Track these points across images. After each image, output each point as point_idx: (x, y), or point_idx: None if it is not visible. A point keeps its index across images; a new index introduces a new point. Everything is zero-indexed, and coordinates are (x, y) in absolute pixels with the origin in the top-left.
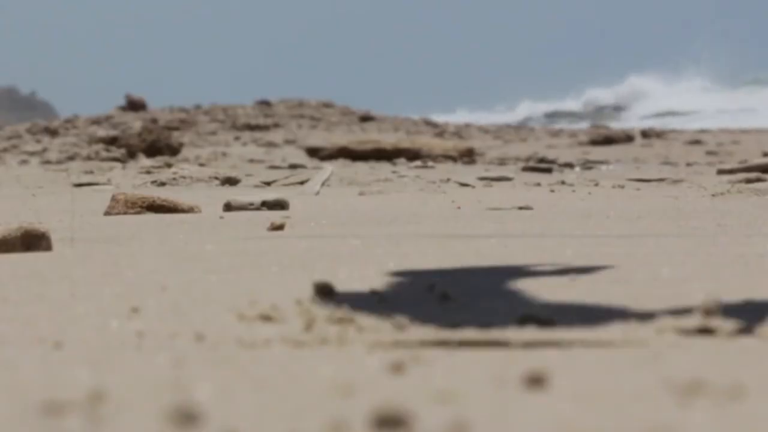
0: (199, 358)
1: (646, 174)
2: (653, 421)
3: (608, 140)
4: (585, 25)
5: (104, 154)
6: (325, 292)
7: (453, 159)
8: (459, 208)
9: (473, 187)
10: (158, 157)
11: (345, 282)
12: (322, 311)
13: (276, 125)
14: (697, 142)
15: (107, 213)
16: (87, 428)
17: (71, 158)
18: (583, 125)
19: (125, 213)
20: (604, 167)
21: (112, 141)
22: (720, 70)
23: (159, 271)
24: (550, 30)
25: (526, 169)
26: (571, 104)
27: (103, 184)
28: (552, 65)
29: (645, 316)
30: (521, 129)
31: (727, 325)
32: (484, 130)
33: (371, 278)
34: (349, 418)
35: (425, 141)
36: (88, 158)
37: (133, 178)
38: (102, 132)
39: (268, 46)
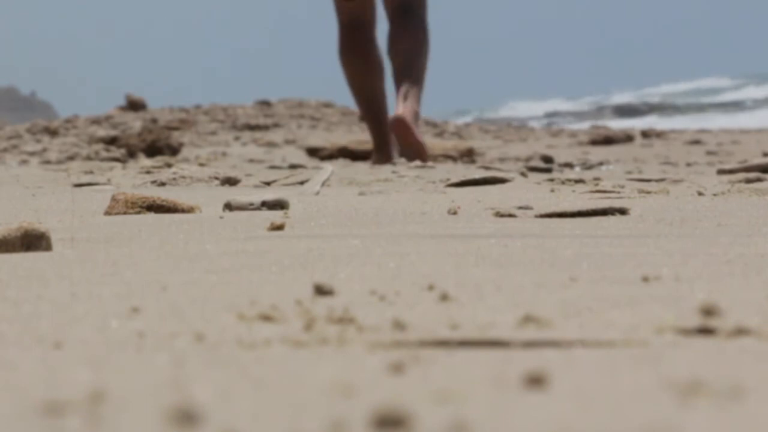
0: (199, 358)
1: (646, 174)
2: (653, 421)
3: (608, 140)
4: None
5: (104, 154)
6: (325, 292)
7: (453, 159)
8: (459, 208)
9: (472, 187)
10: (158, 157)
11: (345, 282)
12: (322, 311)
13: (276, 125)
14: (697, 142)
15: (107, 213)
16: (87, 428)
17: (71, 158)
18: (584, 125)
19: (125, 213)
20: (604, 167)
21: (112, 141)
22: None
23: (159, 271)
24: (549, 30)
25: (527, 168)
26: (572, 104)
27: (103, 184)
28: (548, 66)
29: (645, 316)
30: (521, 129)
31: (727, 325)
32: (484, 130)
33: (371, 278)
34: (349, 418)
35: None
36: (88, 158)
37: (133, 178)
38: (102, 132)
39: (268, 46)
